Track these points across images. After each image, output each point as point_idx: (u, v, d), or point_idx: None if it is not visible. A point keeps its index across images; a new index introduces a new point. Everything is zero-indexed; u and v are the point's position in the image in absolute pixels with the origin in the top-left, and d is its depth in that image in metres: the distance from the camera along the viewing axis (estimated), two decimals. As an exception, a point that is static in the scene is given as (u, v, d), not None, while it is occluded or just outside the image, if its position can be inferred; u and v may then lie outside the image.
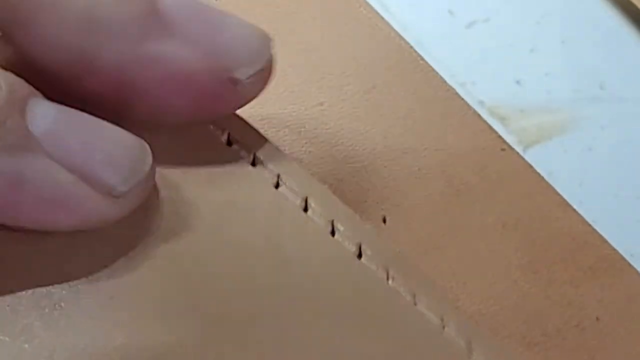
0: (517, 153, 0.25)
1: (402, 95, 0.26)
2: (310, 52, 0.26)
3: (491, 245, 0.23)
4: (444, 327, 0.18)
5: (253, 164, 0.19)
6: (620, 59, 0.29)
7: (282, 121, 0.24)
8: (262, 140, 0.20)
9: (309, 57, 0.26)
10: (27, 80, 0.16)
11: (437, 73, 0.26)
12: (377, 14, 0.28)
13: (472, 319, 0.21)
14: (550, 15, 0.30)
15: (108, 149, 0.17)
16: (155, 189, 0.18)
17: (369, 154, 0.24)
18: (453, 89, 0.26)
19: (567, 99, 0.28)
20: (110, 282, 0.17)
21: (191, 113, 0.18)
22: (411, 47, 0.27)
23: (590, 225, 0.23)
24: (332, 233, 0.19)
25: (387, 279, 0.18)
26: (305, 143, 0.24)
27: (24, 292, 0.16)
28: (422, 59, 0.27)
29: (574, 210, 0.24)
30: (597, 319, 0.21)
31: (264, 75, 0.19)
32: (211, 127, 0.20)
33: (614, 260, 0.23)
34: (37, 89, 0.17)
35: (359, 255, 0.18)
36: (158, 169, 0.18)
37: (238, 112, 0.20)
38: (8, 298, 0.16)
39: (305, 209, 0.19)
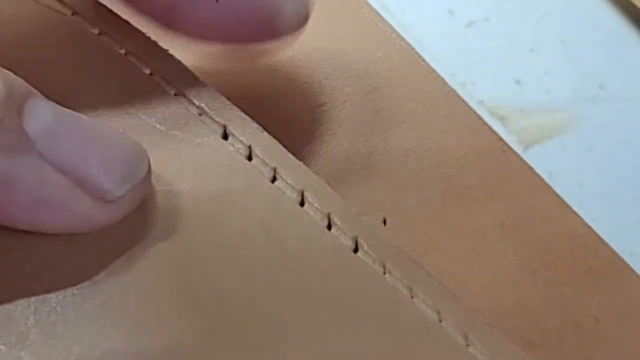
0: (517, 155, 0.25)
1: (403, 96, 0.26)
2: (311, 53, 0.26)
3: (490, 245, 0.23)
4: (440, 322, 0.18)
5: (249, 157, 0.19)
6: (620, 59, 0.29)
7: (282, 122, 0.24)
8: (258, 133, 0.20)
9: (310, 58, 0.26)
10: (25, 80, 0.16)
11: (438, 75, 0.26)
12: (378, 14, 0.28)
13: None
14: (550, 15, 0.30)
15: (104, 152, 0.17)
16: (151, 187, 0.18)
17: (370, 155, 0.24)
18: (454, 90, 0.26)
19: (567, 99, 0.28)
20: (108, 283, 0.17)
21: None
22: (412, 48, 0.27)
23: (589, 226, 0.23)
24: (329, 227, 0.19)
25: (384, 273, 0.18)
26: (306, 144, 0.24)
27: (19, 298, 0.16)
28: (423, 60, 0.27)
29: (574, 211, 0.24)
30: (596, 320, 0.21)
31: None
32: (207, 120, 0.20)
33: (613, 262, 0.23)
34: None
35: (356, 250, 0.18)
36: (154, 166, 0.18)
37: (236, 105, 0.20)
38: (3, 304, 0.16)
39: (302, 203, 0.19)
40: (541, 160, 0.25)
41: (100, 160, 0.17)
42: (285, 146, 0.20)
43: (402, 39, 0.27)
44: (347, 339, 0.17)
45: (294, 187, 0.19)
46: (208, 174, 0.19)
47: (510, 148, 0.25)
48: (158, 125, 0.20)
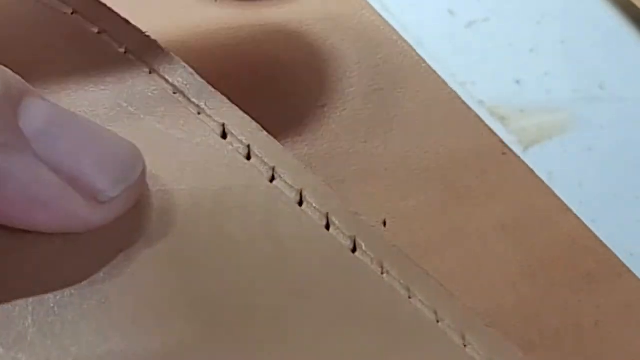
0: (518, 156, 0.25)
1: (403, 97, 0.26)
2: (312, 54, 0.26)
3: (490, 247, 0.23)
4: (438, 322, 0.18)
5: (248, 157, 0.19)
6: (620, 59, 0.29)
7: (282, 122, 0.24)
8: (257, 132, 0.20)
9: (311, 59, 0.26)
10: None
11: (438, 76, 0.26)
12: (380, 16, 0.28)
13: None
14: (550, 15, 0.30)
15: (99, 153, 0.17)
16: (149, 187, 0.18)
17: (370, 156, 0.24)
18: (454, 91, 0.26)
19: (567, 99, 0.28)
20: (106, 284, 0.17)
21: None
22: (413, 49, 0.27)
23: (589, 229, 0.23)
24: (327, 227, 0.19)
25: (382, 273, 0.18)
26: (307, 145, 0.24)
27: (17, 298, 0.16)
28: (424, 61, 0.27)
29: (574, 214, 0.24)
30: (596, 323, 0.21)
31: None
32: (206, 119, 0.20)
33: (613, 265, 0.23)
34: None
35: (354, 249, 0.18)
36: (152, 165, 0.18)
37: (235, 105, 0.20)
38: (1, 304, 0.16)
39: (300, 203, 0.19)
40: (541, 160, 0.25)
41: (95, 160, 0.17)
42: (284, 146, 0.20)
43: (404, 41, 0.27)
44: (344, 338, 0.17)
45: (292, 187, 0.19)
46: (207, 173, 0.19)
47: (510, 149, 0.25)
48: (157, 125, 0.20)
